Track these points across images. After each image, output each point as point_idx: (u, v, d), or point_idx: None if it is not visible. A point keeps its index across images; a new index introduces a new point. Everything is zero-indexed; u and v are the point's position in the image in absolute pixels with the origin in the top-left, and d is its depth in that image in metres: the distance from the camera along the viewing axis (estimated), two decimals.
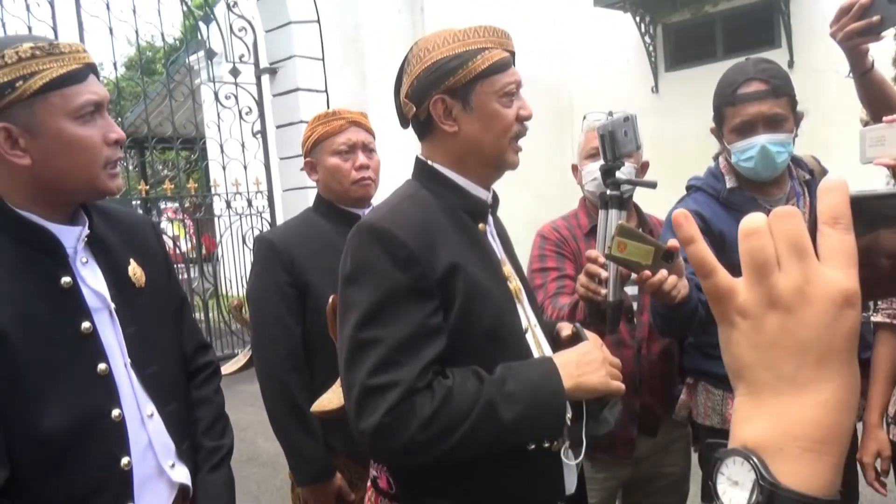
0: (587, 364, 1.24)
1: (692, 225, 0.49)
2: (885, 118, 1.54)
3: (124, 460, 1.22)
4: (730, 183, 1.87)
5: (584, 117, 2.05)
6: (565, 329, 1.40)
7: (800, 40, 6.99)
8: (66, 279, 1.20)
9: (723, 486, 0.46)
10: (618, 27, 8.18)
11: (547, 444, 1.25)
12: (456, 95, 1.25)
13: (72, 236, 1.23)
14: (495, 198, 1.41)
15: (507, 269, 1.37)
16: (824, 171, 1.97)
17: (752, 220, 0.46)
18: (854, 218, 0.46)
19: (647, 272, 1.45)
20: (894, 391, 1.82)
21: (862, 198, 0.47)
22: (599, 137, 1.58)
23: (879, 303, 1.88)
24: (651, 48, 8.05)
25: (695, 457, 2.14)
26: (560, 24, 8.64)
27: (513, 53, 1.31)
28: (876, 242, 0.48)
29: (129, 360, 1.26)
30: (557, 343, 1.40)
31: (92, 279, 1.25)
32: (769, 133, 1.74)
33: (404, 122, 1.35)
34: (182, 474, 1.35)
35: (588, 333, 1.36)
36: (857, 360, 0.46)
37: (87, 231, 1.25)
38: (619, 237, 1.38)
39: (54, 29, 5.48)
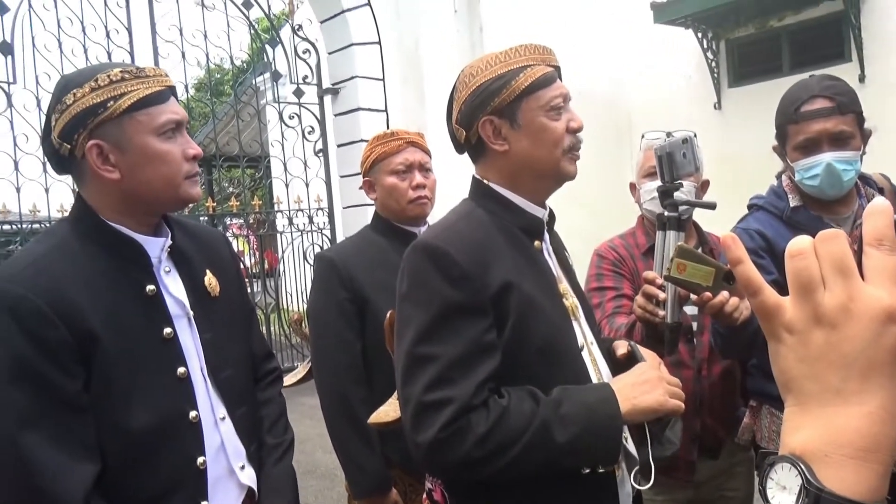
0: (641, 385, 1.23)
1: (740, 246, 0.52)
2: None
3: (200, 460, 1.29)
4: (794, 202, 1.83)
5: (643, 136, 2.04)
6: (620, 348, 1.39)
7: (871, 53, 6.75)
8: (150, 287, 1.28)
9: (772, 491, 0.49)
10: (678, 43, 8.08)
11: (602, 470, 1.23)
12: (503, 115, 1.28)
13: (156, 247, 1.32)
14: (551, 215, 1.41)
15: (563, 286, 1.37)
16: (894, 189, 1.91)
17: (798, 242, 0.50)
18: None
19: (708, 294, 1.43)
20: None
21: None
22: (657, 159, 1.57)
23: None
24: (713, 64, 7.91)
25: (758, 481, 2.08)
26: (619, 40, 8.58)
27: (557, 68, 1.33)
28: None
29: (204, 365, 1.33)
30: (614, 361, 1.39)
31: (173, 287, 1.33)
32: (835, 151, 1.70)
33: (459, 148, 1.39)
34: (249, 477, 1.40)
35: (645, 352, 1.35)
36: None
37: (169, 242, 1.33)
38: (679, 258, 1.37)
39: (131, 54, 5.78)
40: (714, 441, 1.94)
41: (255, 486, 1.42)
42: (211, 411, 1.33)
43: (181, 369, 1.29)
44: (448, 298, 1.18)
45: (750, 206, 1.96)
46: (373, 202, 2.10)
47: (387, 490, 1.90)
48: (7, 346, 1.13)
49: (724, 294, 1.45)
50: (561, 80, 1.33)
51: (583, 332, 1.35)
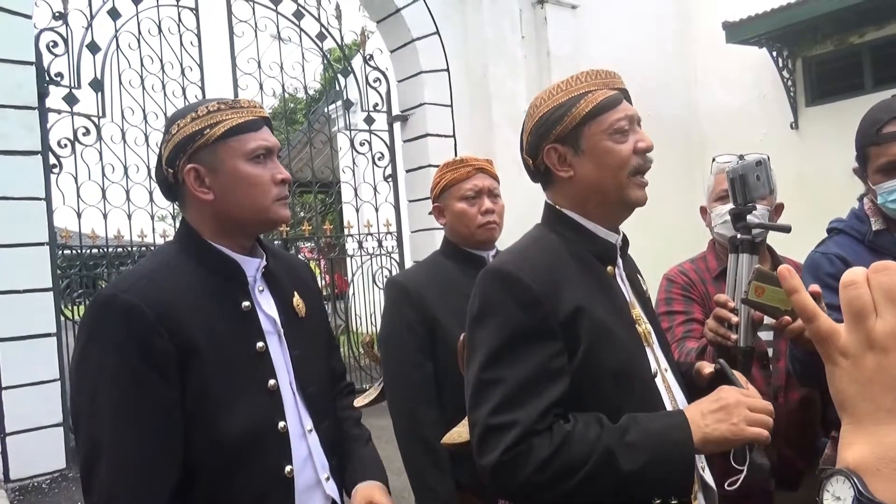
0: (714, 413, 1.17)
1: (794, 276, 0.57)
2: None
3: (287, 469, 1.34)
4: (876, 225, 1.77)
5: (714, 160, 2.01)
6: (706, 368, 1.35)
7: None
8: (246, 303, 1.37)
9: (828, 502, 0.52)
10: (752, 62, 7.90)
11: (674, 501, 1.18)
12: (566, 142, 1.29)
13: (252, 267, 1.41)
14: (625, 240, 1.40)
15: (637, 311, 1.35)
16: None
17: (851, 273, 0.53)
18: None
19: (788, 318, 1.39)
20: None
21: None
22: (729, 181, 1.55)
23: None
24: (790, 83, 7.70)
25: None
26: (690, 61, 8.46)
27: (622, 90, 1.32)
28: None
29: (293, 379, 1.41)
30: (696, 383, 1.36)
31: (266, 305, 1.41)
32: None
33: (532, 176, 1.41)
34: (332, 489, 1.45)
35: (735, 372, 1.29)
36: None
37: (264, 263, 1.43)
38: (757, 282, 1.33)
39: (202, 89, 6.09)
40: (792, 472, 1.87)
41: (337, 499, 1.47)
42: (299, 423, 1.40)
43: (272, 381, 1.36)
44: (518, 323, 1.19)
45: (829, 230, 1.90)
46: (442, 227, 2.14)
47: None
48: (116, 349, 1.22)
49: None
50: (629, 101, 1.33)
51: (656, 358, 1.33)
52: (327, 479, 1.44)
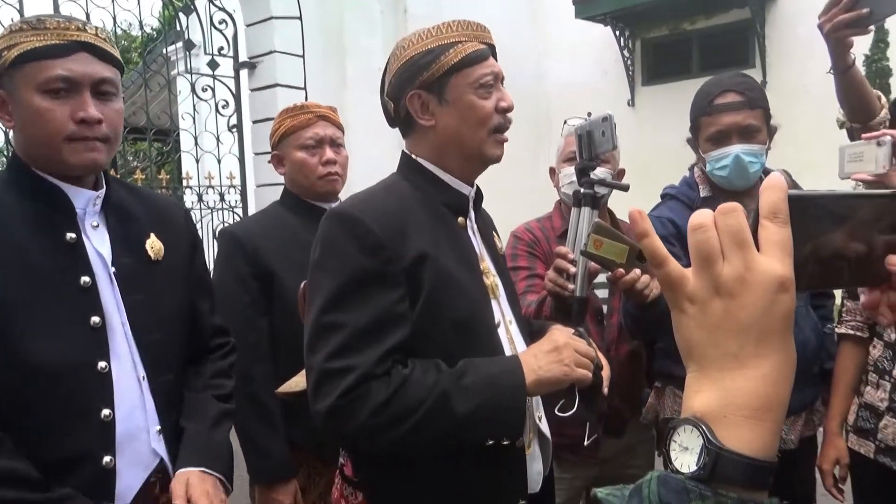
0: (547, 354, 1.22)
1: (646, 220, 0.55)
2: (863, 135, 1.58)
3: (105, 412, 1.24)
4: (704, 192, 1.89)
5: (566, 122, 2.06)
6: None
7: (773, 61, 7.14)
8: (70, 235, 1.27)
9: (675, 453, 0.51)
10: (597, 39, 8.27)
11: (507, 442, 1.23)
12: (431, 90, 1.27)
13: (82, 198, 1.29)
14: (479, 193, 1.41)
15: (485, 264, 1.36)
16: (795, 186, 2.00)
17: (699, 216, 0.52)
18: (799, 216, 0.51)
19: (621, 270, 1.47)
20: (854, 401, 1.86)
21: (807, 196, 0.52)
22: (577, 137, 1.58)
23: (843, 315, 1.92)
24: (629, 62, 8.15)
25: (659, 459, 2.15)
26: (541, 33, 8.70)
27: (491, 46, 1.32)
28: (825, 241, 0.54)
29: (126, 321, 1.30)
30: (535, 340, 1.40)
31: (98, 242, 1.31)
32: (743, 143, 1.76)
33: (391, 121, 1.37)
34: (162, 447, 1.34)
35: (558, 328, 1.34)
36: (794, 340, 0.51)
37: (98, 196, 1.30)
38: (595, 234, 1.39)
39: (21, 11, 5.39)
40: (619, 420, 1.99)
41: (166, 458, 1.35)
42: (133, 369, 1.30)
43: (95, 319, 1.26)
44: (359, 266, 1.17)
45: (663, 196, 2.02)
46: (282, 177, 2.03)
47: (290, 475, 1.84)
48: None
49: (636, 271, 1.50)
50: (496, 58, 1.32)
51: (501, 309, 1.35)
52: (159, 432, 1.33)
